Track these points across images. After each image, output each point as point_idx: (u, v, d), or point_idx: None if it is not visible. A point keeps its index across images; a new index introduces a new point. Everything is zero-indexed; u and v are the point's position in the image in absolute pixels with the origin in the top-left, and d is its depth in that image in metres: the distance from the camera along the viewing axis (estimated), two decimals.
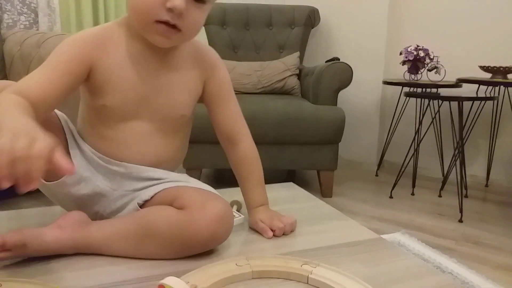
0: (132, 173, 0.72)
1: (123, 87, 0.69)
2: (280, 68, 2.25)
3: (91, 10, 2.40)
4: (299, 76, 2.31)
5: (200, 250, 0.65)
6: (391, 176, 2.31)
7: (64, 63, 0.64)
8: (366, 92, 2.52)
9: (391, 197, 2.04)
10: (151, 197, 0.69)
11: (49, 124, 0.67)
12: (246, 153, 0.80)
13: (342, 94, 2.07)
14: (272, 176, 2.11)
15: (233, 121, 0.80)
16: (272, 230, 0.75)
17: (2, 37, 1.97)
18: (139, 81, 0.69)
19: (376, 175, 2.43)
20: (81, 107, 0.75)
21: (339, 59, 2.10)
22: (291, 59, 2.30)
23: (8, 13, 2.27)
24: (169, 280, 0.46)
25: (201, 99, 0.79)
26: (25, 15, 2.32)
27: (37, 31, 2.07)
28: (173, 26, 0.63)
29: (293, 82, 2.25)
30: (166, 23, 0.62)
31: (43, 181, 0.67)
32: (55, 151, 0.45)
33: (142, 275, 0.59)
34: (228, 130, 0.80)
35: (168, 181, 0.71)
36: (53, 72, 0.64)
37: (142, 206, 0.69)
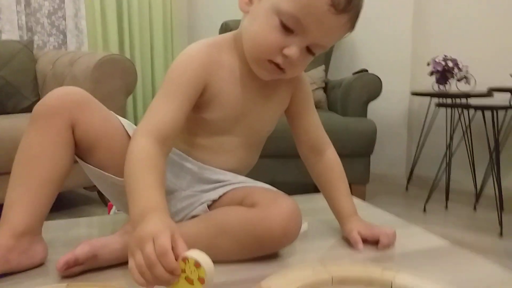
0: (204, 174, 0.73)
1: (226, 105, 0.71)
2: None
3: (117, 31, 2.44)
4: (325, 89, 2.30)
5: (272, 248, 0.64)
6: (422, 190, 2.26)
7: (184, 89, 0.65)
8: (392, 104, 2.49)
9: (424, 211, 1.98)
10: (220, 197, 0.69)
11: (109, 128, 0.67)
12: (333, 161, 0.80)
13: (367, 106, 2.05)
14: (300, 190, 2.06)
15: (317, 130, 0.81)
16: (365, 241, 0.72)
17: (35, 57, 2.01)
18: (240, 100, 0.72)
19: (406, 189, 2.38)
20: None
21: (367, 71, 2.09)
22: (317, 73, 2.30)
23: (38, 34, 2.33)
24: (193, 253, 0.47)
25: (285, 111, 0.81)
26: (54, 36, 2.38)
27: (68, 51, 2.11)
28: (281, 68, 0.65)
29: (320, 95, 2.24)
30: (276, 64, 0.64)
31: (116, 178, 0.67)
32: (176, 239, 0.48)
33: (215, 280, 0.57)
34: (313, 140, 0.80)
35: (236, 183, 0.71)
36: (175, 102, 0.64)
37: (210, 206, 0.69)
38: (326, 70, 2.42)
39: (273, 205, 0.62)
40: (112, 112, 0.70)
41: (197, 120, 0.71)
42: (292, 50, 0.62)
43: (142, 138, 0.60)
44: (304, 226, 0.77)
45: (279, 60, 0.64)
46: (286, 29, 0.62)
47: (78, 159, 0.68)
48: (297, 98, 0.79)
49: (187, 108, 0.65)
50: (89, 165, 0.68)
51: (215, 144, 0.73)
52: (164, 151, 0.62)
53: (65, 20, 2.36)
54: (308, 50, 0.65)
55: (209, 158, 0.74)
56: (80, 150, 0.66)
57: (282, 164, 1.85)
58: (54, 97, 0.63)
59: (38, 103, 0.63)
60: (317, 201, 0.90)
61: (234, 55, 0.71)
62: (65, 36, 2.39)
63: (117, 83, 1.78)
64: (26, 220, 0.59)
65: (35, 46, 2.26)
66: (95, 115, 0.65)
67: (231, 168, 0.75)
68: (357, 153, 1.88)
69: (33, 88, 1.95)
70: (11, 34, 2.17)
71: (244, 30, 0.68)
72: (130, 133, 0.70)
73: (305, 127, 0.80)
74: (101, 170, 0.67)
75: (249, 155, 0.78)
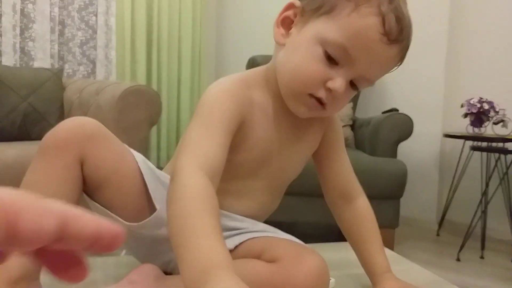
0: (220, 221, 0.65)
1: (256, 146, 0.64)
2: None
3: (145, 63, 2.48)
4: (352, 127, 2.23)
5: None
6: (454, 236, 2.12)
7: (226, 124, 0.58)
8: (423, 146, 2.39)
9: (458, 259, 1.85)
10: (236, 247, 0.62)
11: (122, 165, 0.62)
12: (364, 211, 0.72)
13: (398, 147, 1.96)
14: (324, 231, 1.95)
15: (348, 175, 0.73)
16: None
17: (63, 85, 2.03)
18: (271, 141, 0.66)
19: (438, 235, 2.24)
20: None
21: (397, 110, 2.02)
22: (345, 110, 2.24)
23: (69, 63, 2.38)
24: None
25: (313, 153, 0.74)
26: (84, 65, 2.42)
27: (96, 80, 2.14)
28: (322, 104, 0.59)
29: (347, 133, 2.17)
30: (317, 99, 0.59)
31: (124, 222, 0.61)
32: None
33: None
34: (343, 185, 0.72)
35: (255, 231, 0.64)
36: (219, 137, 0.56)
37: None
38: (354, 108, 2.36)
39: (298, 262, 0.55)
40: (126, 146, 0.66)
41: None
42: (337, 83, 0.56)
43: (193, 172, 0.51)
44: (331, 283, 0.68)
45: (321, 94, 0.58)
46: (331, 60, 0.56)
47: (85, 196, 0.63)
48: (328, 138, 0.72)
49: (229, 144, 0.58)
50: (95, 203, 0.63)
51: (236, 188, 0.67)
52: (214, 189, 0.53)
53: (95, 50, 2.41)
54: (352, 85, 0.59)
55: (228, 203, 0.66)
56: (88, 187, 0.61)
57: (306, 203, 1.76)
58: (65, 128, 0.58)
59: (48, 133, 0.58)
60: (345, 251, 0.81)
61: (266, 92, 0.66)
62: (94, 65, 2.43)
63: (141, 113, 1.77)
64: (23, 264, 0.53)
65: (65, 74, 2.30)
66: (107, 150, 0.60)
67: (251, 214, 0.68)
68: (386, 195, 1.78)
69: (59, 115, 1.96)
70: (43, 62, 2.22)
71: (281, 63, 0.62)
72: (144, 171, 0.64)
73: (334, 171, 0.73)
74: (108, 211, 0.62)
75: (271, 200, 0.72)
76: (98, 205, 0.62)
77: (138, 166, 0.64)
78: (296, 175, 0.74)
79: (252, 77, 0.66)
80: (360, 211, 0.72)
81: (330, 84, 0.56)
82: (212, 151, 0.54)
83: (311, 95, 0.58)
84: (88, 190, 0.62)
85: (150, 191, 0.64)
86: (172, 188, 0.50)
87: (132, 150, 0.67)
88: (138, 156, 0.66)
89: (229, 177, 0.64)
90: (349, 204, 0.72)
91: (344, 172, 0.73)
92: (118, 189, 0.61)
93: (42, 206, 0.16)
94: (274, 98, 0.65)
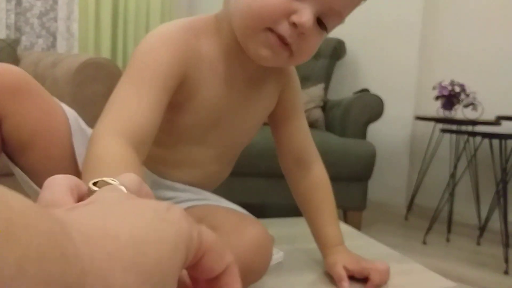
0: (157, 192, 0.60)
1: (203, 107, 0.57)
2: (303, 100, 2.14)
3: (110, 36, 2.36)
4: (323, 108, 2.19)
5: None
6: (422, 220, 2.12)
7: (162, 79, 0.50)
8: (394, 129, 2.38)
9: (424, 242, 1.85)
10: None
11: (49, 124, 0.54)
12: (320, 179, 0.67)
13: (368, 129, 1.94)
14: (294, 214, 1.92)
15: (305, 138, 0.68)
16: (352, 277, 0.59)
17: (18, 57, 1.91)
18: (222, 101, 0.58)
19: (406, 219, 2.24)
20: None
21: (368, 91, 1.98)
22: (316, 91, 2.19)
23: (26, 35, 2.23)
24: None
25: (269, 115, 0.68)
26: (43, 38, 2.29)
27: (53, 52, 2.02)
28: (286, 44, 0.51)
29: (317, 114, 2.13)
30: (280, 36, 0.50)
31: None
32: None
33: None
34: (299, 150, 0.67)
35: (195, 199, 0.59)
36: (152, 95, 0.49)
37: None
38: (325, 89, 2.32)
39: (238, 232, 0.50)
40: (57, 100, 0.57)
41: (162, 126, 0.57)
42: (304, 17, 0.48)
43: (112, 140, 0.44)
44: (279, 256, 0.64)
45: (283, 29, 0.49)
46: None
47: (6, 159, 0.55)
48: (285, 97, 0.66)
49: (165, 105, 0.51)
50: (17, 168, 0.54)
51: (181, 155, 0.60)
52: (139, 159, 0.47)
53: (56, 22, 2.28)
54: (320, 23, 0.51)
55: (170, 171, 0.60)
56: (9, 148, 0.52)
57: (274, 184, 1.72)
58: None
59: None
60: (300, 225, 0.77)
61: (216, 43, 0.58)
62: (55, 38, 2.29)
63: (100, 87, 1.66)
64: None
65: (22, 46, 2.16)
66: (32, 106, 0.51)
67: (196, 183, 0.62)
68: (354, 177, 1.75)
69: None
70: None
71: (235, 3, 0.53)
72: (74, 131, 0.56)
73: (291, 134, 0.67)
74: (29, 179, 0.53)
75: (220, 169, 0.65)
76: (20, 171, 0.54)
77: (69, 124, 0.56)
78: (250, 141, 0.68)
79: (199, 24, 0.58)
80: (316, 179, 0.67)
81: (295, 18, 0.48)
82: (138, 114, 0.47)
83: (271, 31, 0.50)
84: (9, 152, 0.54)
85: (77, 155, 0.56)
86: (86, 158, 0.44)
87: (64, 106, 0.58)
88: (71, 114, 0.57)
89: (173, 142, 0.59)
90: (305, 171, 0.67)
91: (300, 135, 0.67)
92: (43, 152, 0.52)
93: (222, 252, 0.21)
94: (226, 51, 0.57)
